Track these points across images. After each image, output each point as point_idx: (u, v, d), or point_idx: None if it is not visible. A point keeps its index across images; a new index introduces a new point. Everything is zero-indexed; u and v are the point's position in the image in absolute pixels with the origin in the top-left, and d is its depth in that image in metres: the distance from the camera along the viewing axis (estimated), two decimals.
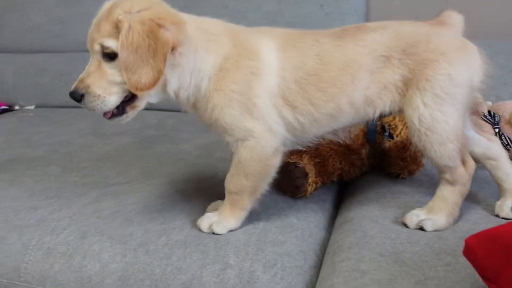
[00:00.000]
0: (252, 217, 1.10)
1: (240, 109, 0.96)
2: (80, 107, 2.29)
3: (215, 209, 1.09)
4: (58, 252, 1.01)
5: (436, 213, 1.02)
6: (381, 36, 0.99)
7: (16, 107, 2.29)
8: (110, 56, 0.91)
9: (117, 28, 0.89)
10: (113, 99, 0.93)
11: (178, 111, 2.04)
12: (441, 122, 0.96)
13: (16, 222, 1.09)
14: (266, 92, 0.97)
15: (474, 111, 1.35)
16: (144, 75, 0.88)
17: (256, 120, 0.97)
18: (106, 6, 0.94)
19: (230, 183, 1.03)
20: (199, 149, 1.56)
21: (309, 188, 1.20)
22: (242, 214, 1.05)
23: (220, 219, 1.03)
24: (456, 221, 1.03)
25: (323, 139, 1.21)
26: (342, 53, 0.98)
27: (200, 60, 0.95)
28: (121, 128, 1.83)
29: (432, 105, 0.96)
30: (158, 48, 0.87)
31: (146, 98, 0.97)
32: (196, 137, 1.71)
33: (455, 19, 1.03)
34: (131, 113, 0.98)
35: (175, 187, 1.26)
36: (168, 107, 2.12)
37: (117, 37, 0.88)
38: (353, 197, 1.24)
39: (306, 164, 1.21)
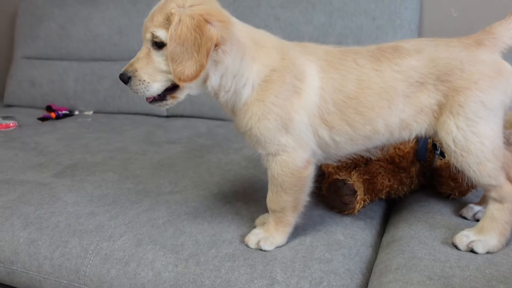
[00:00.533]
0: (299, 232, 1.12)
1: (276, 122, 0.98)
2: (135, 114, 2.39)
3: (263, 223, 1.12)
4: (114, 258, 1.07)
5: (487, 233, 1.01)
6: (417, 62, 1.00)
7: (76, 112, 2.42)
8: (158, 45, 0.96)
9: (168, 20, 0.93)
10: (156, 86, 0.99)
11: (228, 120, 2.13)
12: (476, 143, 0.97)
13: (77, 227, 1.17)
14: (305, 110, 1.00)
15: None
16: (188, 67, 0.92)
17: (290, 135, 1.00)
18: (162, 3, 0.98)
19: (271, 202, 1.06)
20: (247, 160, 1.59)
21: (357, 206, 1.21)
22: (287, 230, 1.08)
23: (267, 236, 1.06)
24: (509, 241, 1.01)
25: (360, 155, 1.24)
26: (380, 79, 1.00)
27: (245, 66, 0.99)
28: (172, 136, 1.91)
29: (465, 127, 0.97)
30: (203, 42, 0.91)
31: (187, 90, 1.01)
32: (245, 147, 1.75)
33: (498, 37, 1.00)
34: (170, 102, 1.02)
35: (224, 198, 1.29)
36: (219, 116, 2.18)
37: (167, 28, 0.93)
38: (401, 215, 1.23)
39: (355, 181, 1.21)
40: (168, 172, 1.50)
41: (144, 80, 0.98)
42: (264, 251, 1.05)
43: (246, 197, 1.31)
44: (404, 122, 1.01)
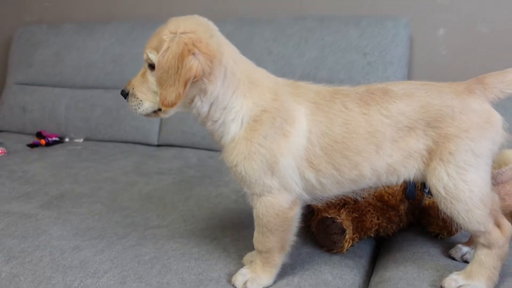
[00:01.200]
0: (287, 272, 1.11)
1: (262, 164, 0.99)
2: (126, 142, 2.38)
3: (251, 261, 1.11)
4: None
5: (475, 278, 1.01)
6: (406, 106, 1.00)
7: (66, 139, 2.41)
8: (152, 66, 1.00)
9: (160, 44, 0.97)
10: (147, 105, 1.03)
11: (220, 151, 2.13)
12: (465, 191, 0.98)
13: (61, 262, 1.14)
14: (292, 154, 1.00)
15: None
16: (170, 93, 0.95)
17: (276, 178, 1.00)
18: (168, 21, 1.01)
19: (257, 242, 1.06)
20: (237, 194, 1.58)
21: (346, 244, 1.20)
22: (274, 271, 1.07)
23: (254, 277, 1.05)
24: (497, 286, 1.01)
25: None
26: (368, 123, 1.00)
27: (237, 101, 1.00)
28: (163, 167, 1.90)
29: (455, 175, 0.98)
30: (182, 72, 0.93)
31: (172, 112, 1.04)
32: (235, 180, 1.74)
33: (489, 87, 1.02)
34: (154, 116, 1.07)
35: (212, 234, 1.28)
36: (211, 147, 2.18)
37: (158, 52, 0.97)
38: (389, 255, 1.22)
39: (344, 219, 1.21)
40: (156, 205, 1.49)
41: (137, 98, 1.03)
42: None
43: (235, 233, 1.29)
44: (392, 167, 1.01)
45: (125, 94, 1.06)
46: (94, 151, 2.15)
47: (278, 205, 1.01)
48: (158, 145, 2.32)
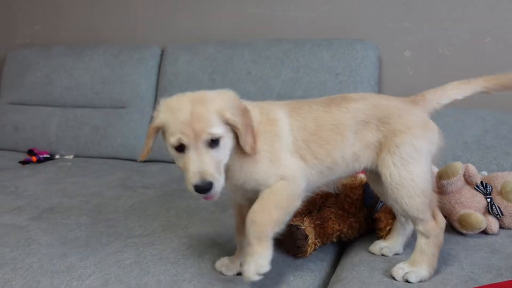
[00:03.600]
0: None
1: (268, 163, 1.13)
2: (114, 158, 2.48)
3: (221, 265, 1.23)
4: None
5: (418, 265, 1.17)
6: (362, 105, 1.20)
7: (57, 156, 2.53)
8: (216, 141, 1.05)
9: (222, 116, 1.06)
10: (221, 178, 1.06)
11: None
12: (408, 180, 1.15)
13: (49, 268, 1.26)
14: (287, 149, 1.15)
15: (468, 182, 1.47)
16: (251, 141, 1.09)
17: (283, 166, 1.14)
18: (190, 102, 1.06)
19: (258, 216, 1.10)
20: (215, 205, 1.71)
21: (309, 249, 1.32)
22: (269, 244, 1.11)
23: (254, 252, 1.10)
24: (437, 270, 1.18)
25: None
26: (332, 117, 1.18)
27: None
28: (147, 181, 2.02)
29: (399, 165, 1.16)
30: (249, 122, 1.11)
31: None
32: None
33: (428, 100, 1.24)
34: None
35: (189, 241, 1.40)
36: None
37: (221, 125, 1.05)
38: (349, 257, 1.35)
39: (307, 226, 1.33)
40: (139, 216, 1.61)
41: (217, 177, 1.03)
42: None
43: (210, 241, 1.41)
44: (356, 155, 1.19)
45: (209, 186, 1.02)
46: (83, 167, 2.27)
47: (294, 187, 1.13)
48: (145, 161, 2.44)
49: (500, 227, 1.43)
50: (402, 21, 2.24)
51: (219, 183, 1.04)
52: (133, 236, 1.44)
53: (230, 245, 1.31)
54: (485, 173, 1.59)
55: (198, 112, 1.04)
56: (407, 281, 1.15)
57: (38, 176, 2.10)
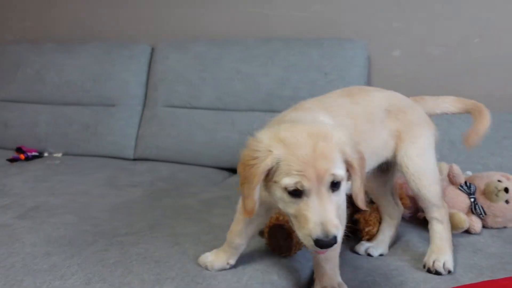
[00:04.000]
0: (238, 271, 1.23)
1: None
2: (103, 156, 2.49)
3: (206, 261, 1.24)
4: None
5: (443, 252, 1.21)
6: (381, 95, 1.24)
7: (45, 154, 2.52)
8: (336, 184, 0.91)
9: (343, 154, 0.93)
10: (342, 229, 0.94)
11: (192, 164, 2.26)
12: (427, 170, 1.22)
13: (32, 267, 1.25)
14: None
15: (452, 182, 1.48)
16: (361, 190, 0.99)
17: None
18: (310, 136, 0.91)
19: None
20: (202, 204, 1.71)
21: (294, 248, 1.33)
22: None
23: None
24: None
25: None
26: (361, 108, 1.19)
27: None
28: (135, 180, 2.02)
29: (420, 155, 1.21)
30: (364, 162, 1.00)
31: None
32: (203, 191, 1.87)
33: (427, 103, 1.33)
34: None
35: (174, 240, 1.40)
36: (183, 161, 2.31)
37: (342, 165, 0.92)
38: None
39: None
40: (125, 215, 1.60)
41: (339, 229, 0.90)
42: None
43: (195, 239, 1.41)
44: (384, 142, 1.21)
45: (334, 239, 0.88)
46: (71, 165, 2.26)
47: None
48: (134, 159, 2.44)
49: (483, 226, 1.44)
50: (391, 21, 2.25)
51: (340, 235, 0.90)
52: (118, 235, 1.44)
53: (215, 242, 1.31)
54: (469, 173, 1.60)
55: (321, 149, 0.89)
56: (449, 271, 1.18)
57: (26, 174, 2.09)
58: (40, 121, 2.61)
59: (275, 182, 0.91)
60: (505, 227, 1.47)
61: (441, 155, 1.82)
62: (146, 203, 1.72)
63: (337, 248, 1.10)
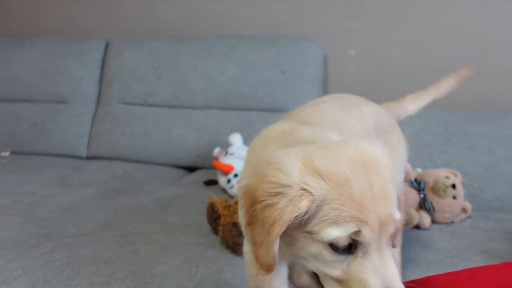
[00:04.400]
0: (191, 270, 1.20)
1: None
2: (54, 155, 2.38)
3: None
4: None
5: None
6: (372, 110, 1.13)
7: None
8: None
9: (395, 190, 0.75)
10: None
11: (148, 162, 2.21)
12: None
13: None
14: None
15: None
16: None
17: None
18: (359, 167, 0.67)
19: None
20: (156, 203, 1.67)
21: None
22: None
23: None
24: None
25: None
26: (360, 125, 1.05)
27: None
28: (87, 179, 1.95)
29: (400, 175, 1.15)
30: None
31: None
32: (158, 190, 1.83)
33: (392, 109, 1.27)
34: None
35: (124, 240, 1.36)
36: (138, 159, 2.25)
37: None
38: None
39: None
40: (75, 215, 1.55)
41: None
42: None
43: (146, 238, 1.38)
44: None
45: None
46: (19, 165, 2.17)
47: None
48: (87, 158, 2.36)
49: (432, 222, 1.48)
50: (348, 20, 2.28)
51: None
52: (65, 236, 1.38)
53: (166, 241, 1.28)
54: (419, 170, 1.65)
55: (379, 186, 0.67)
56: None
57: None
58: None
59: (309, 233, 0.67)
60: (452, 222, 1.52)
61: None
62: (98, 202, 1.67)
63: None
